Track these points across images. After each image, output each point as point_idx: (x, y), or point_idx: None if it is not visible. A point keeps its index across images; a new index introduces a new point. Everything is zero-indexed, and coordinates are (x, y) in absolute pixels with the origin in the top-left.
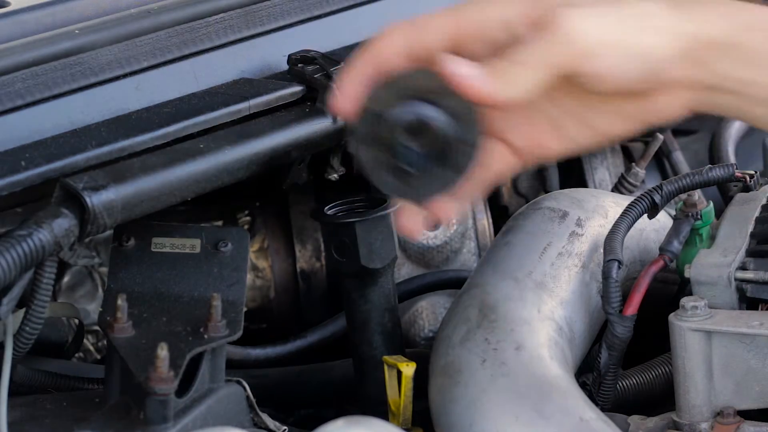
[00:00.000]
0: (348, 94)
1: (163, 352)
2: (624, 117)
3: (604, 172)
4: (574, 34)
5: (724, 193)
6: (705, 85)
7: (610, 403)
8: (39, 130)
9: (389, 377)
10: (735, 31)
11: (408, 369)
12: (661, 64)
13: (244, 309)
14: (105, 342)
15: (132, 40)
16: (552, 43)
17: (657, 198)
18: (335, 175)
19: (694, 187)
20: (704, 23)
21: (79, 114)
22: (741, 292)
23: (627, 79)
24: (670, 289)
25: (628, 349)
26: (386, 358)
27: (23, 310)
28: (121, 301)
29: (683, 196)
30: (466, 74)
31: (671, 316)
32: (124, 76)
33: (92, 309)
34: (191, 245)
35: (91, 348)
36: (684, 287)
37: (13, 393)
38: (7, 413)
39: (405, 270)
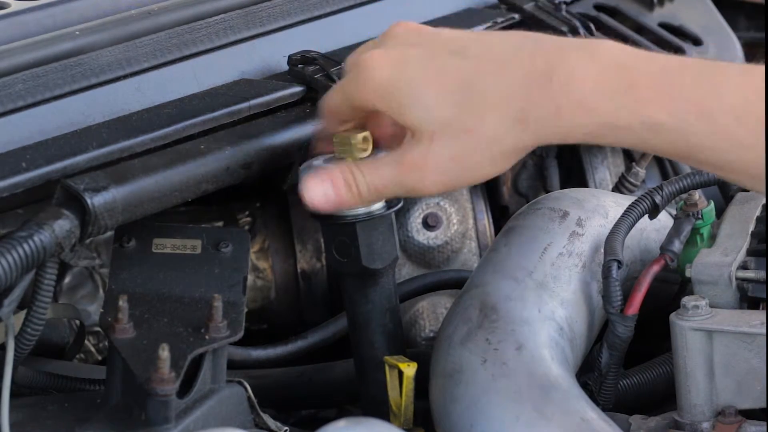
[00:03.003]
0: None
1: (164, 352)
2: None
3: (604, 172)
4: (424, 183)
5: (725, 192)
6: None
7: (612, 403)
8: (40, 131)
9: (390, 377)
10: (584, 137)
11: (409, 369)
12: (488, 177)
13: (245, 309)
14: (106, 343)
15: (132, 41)
16: (397, 185)
17: (658, 198)
18: None
19: (694, 187)
20: (553, 136)
21: (80, 115)
22: (742, 291)
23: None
24: (671, 288)
25: (629, 349)
26: (387, 358)
27: (24, 311)
28: (122, 302)
29: (684, 195)
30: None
31: (672, 316)
32: (125, 77)
33: (93, 310)
34: (192, 246)
35: (93, 349)
36: (685, 287)
37: (14, 394)
38: (8, 414)
39: (406, 270)
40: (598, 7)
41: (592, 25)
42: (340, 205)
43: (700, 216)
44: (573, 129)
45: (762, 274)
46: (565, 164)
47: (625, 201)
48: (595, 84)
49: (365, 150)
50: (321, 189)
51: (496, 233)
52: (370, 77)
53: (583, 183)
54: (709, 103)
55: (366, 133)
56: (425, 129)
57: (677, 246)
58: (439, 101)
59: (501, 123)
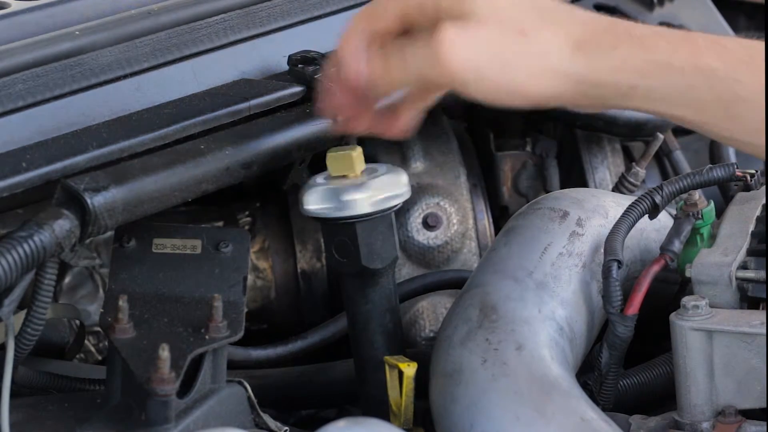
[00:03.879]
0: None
1: (164, 352)
2: None
3: (604, 172)
4: (447, 56)
5: (725, 192)
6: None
7: (612, 403)
8: (40, 131)
9: (390, 377)
10: (633, 75)
11: (409, 369)
12: (539, 102)
13: (245, 309)
14: (106, 343)
15: (132, 41)
16: (425, 57)
17: (658, 198)
18: None
19: (694, 187)
20: (602, 69)
21: (80, 115)
22: (742, 291)
23: (500, 104)
24: (671, 288)
25: (629, 349)
26: (387, 358)
27: (24, 311)
28: (123, 302)
29: (684, 195)
30: (351, 70)
31: (672, 316)
32: (125, 76)
33: (93, 310)
34: (192, 246)
35: (93, 349)
36: (685, 287)
37: (14, 394)
38: (8, 414)
39: (406, 270)
40: (598, 7)
41: None
42: (369, 76)
43: (700, 216)
44: (625, 62)
45: (762, 274)
46: (565, 164)
47: (625, 201)
48: (657, 31)
49: (363, 164)
50: (354, 60)
51: (496, 233)
52: None
53: (583, 183)
54: (759, 61)
55: (360, 149)
56: (480, 15)
57: (677, 246)
58: (507, 2)
59: (556, 40)
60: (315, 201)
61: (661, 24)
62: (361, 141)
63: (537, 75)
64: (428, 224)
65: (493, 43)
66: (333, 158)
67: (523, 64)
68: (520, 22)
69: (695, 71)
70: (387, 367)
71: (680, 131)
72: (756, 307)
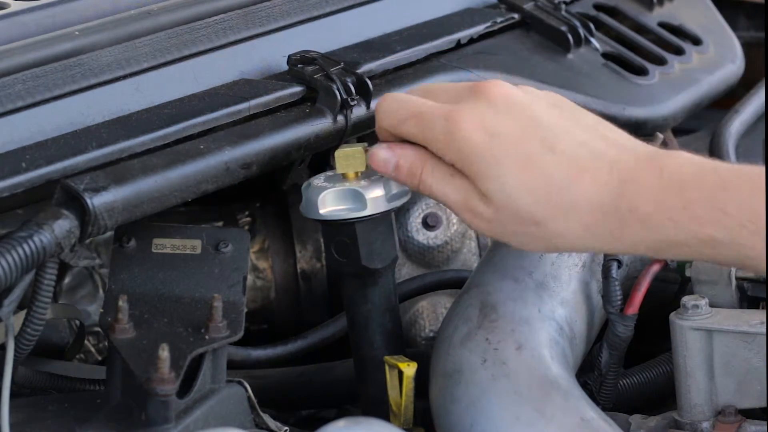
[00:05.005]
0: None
1: (164, 353)
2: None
3: None
4: (472, 225)
5: None
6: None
7: (612, 403)
8: (39, 131)
9: (390, 377)
10: (644, 251)
11: (409, 369)
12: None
13: (245, 309)
14: (106, 343)
15: (132, 41)
16: (454, 207)
17: None
18: None
19: None
20: (614, 251)
21: (80, 115)
22: (742, 290)
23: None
24: (670, 288)
25: (629, 349)
26: (387, 358)
27: (24, 311)
28: (122, 302)
29: None
30: (378, 158)
31: (672, 315)
32: (125, 77)
33: (93, 310)
34: (192, 246)
35: (93, 349)
36: (685, 286)
37: (14, 394)
38: (8, 414)
39: (405, 270)
40: (598, 7)
41: (591, 25)
42: (396, 179)
43: None
44: (635, 244)
45: (762, 274)
46: None
47: None
48: (657, 204)
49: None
50: (385, 158)
51: None
52: (460, 135)
53: None
54: (760, 220)
55: (365, 145)
56: (496, 201)
57: None
58: (517, 187)
59: (568, 225)
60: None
61: (661, 24)
62: (361, 139)
63: (552, 250)
64: (428, 224)
65: (512, 230)
66: (342, 156)
67: (539, 244)
68: (533, 212)
69: (700, 244)
70: (387, 367)
71: (680, 131)
72: (756, 307)
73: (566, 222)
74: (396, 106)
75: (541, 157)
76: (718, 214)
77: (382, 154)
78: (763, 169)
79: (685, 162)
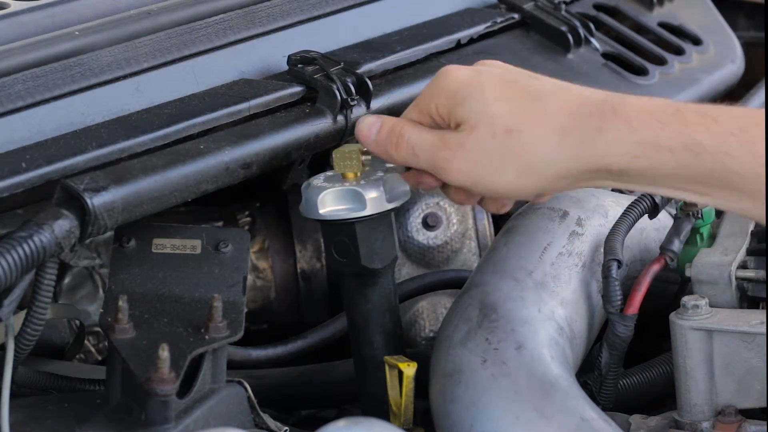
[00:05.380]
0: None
1: (164, 352)
2: None
3: None
4: (446, 171)
5: None
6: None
7: (612, 403)
8: (40, 131)
9: (390, 377)
10: (622, 158)
11: (409, 369)
12: (534, 196)
13: (245, 309)
14: (106, 343)
15: (132, 41)
16: (430, 164)
17: (658, 198)
18: None
19: None
20: (590, 157)
21: (80, 115)
22: (742, 290)
23: (499, 197)
24: (670, 288)
25: (629, 349)
26: (387, 358)
27: (24, 311)
28: (122, 302)
29: None
30: (364, 123)
31: (672, 315)
32: (125, 77)
33: (93, 310)
34: (192, 246)
35: (93, 349)
36: (685, 286)
37: (14, 394)
38: (8, 414)
39: (405, 270)
40: (598, 7)
41: (591, 25)
42: (378, 144)
43: (700, 215)
44: (612, 146)
45: (762, 274)
46: None
47: (625, 201)
48: (643, 108)
49: (366, 163)
50: (370, 122)
51: (496, 233)
52: (446, 79)
53: None
54: (750, 131)
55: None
56: (472, 119)
57: (677, 246)
58: (496, 100)
59: (542, 132)
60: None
61: (661, 24)
62: None
63: (526, 174)
64: (428, 224)
65: (483, 148)
66: (340, 156)
67: (511, 166)
68: (508, 120)
69: (684, 148)
70: (387, 367)
71: None
72: (756, 307)
73: (541, 128)
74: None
75: (524, 80)
76: (708, 121)
77: (369, 118)
78: (758, 109)
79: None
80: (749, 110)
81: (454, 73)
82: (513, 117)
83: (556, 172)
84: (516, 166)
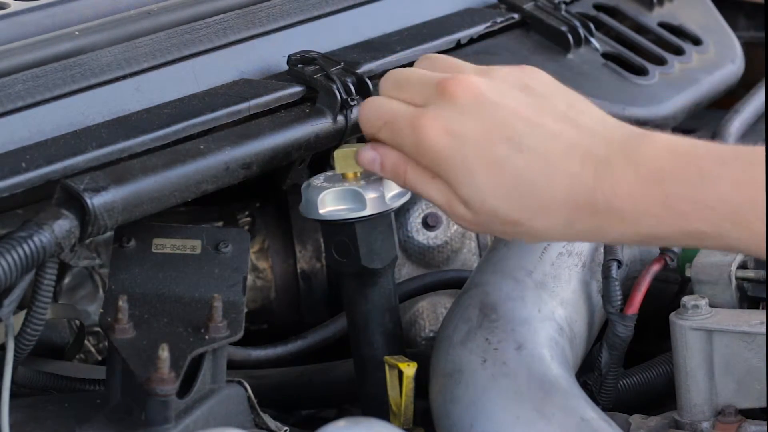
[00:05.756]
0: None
1: (164, 353)
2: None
3: None
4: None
5: None
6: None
7: (612, 403)
8: (39, 131)
9: (390, 377)
10: (629, 243)
11: (409, 369)
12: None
13: (245, 309)
14: (106, 343)
15: (132, 41)
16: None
17: None
18: None
19: None
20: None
21: (80, 115)
22: (742, 290)
23: None
24: (670, 288)
25: (629, 349)
26: (387, 358)
27: (24, 311)
28: (122, 302)
29: None
30: (364, 158)
31: (672, 315)
32: (125, 77)
33: (93, 310)
34: (192, 246)
35: (92, 349)
36: (685, 286)
37: (14, 394)
38: (8, 414)
39: (405, 270)
40: (598, 7)
41: (591, 25)
42: (384, 176)
43: None
44: (619, 238)
45: (762, 274)
46: None
47: None
48: (635, 199)
49: None
50: (370, 159)
51: None
52: (427, 143)
53: None
54: (745, 213)
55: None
56: (473, 206)
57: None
58: (490, 189)
59: (548, 223)
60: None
61: (661, 24)
62: (361, 139)
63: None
64: (428, 224)
65: (496, 230)
66: (341, 156)
67: (526, 239)
68: (510, 214)
69: (685, 237)
70: (387, 367)
71: (680, 131)
72: (756, 307)
73: (546, 220)
74: (371, 114)
75: (508, 159)
76: (702, 208)
77: (368, 154)
78: (741, 148)
79: (661, 148)
80: (734, 174)
81: (431, 139)
82: (514, 210)
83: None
84: (531, 240)
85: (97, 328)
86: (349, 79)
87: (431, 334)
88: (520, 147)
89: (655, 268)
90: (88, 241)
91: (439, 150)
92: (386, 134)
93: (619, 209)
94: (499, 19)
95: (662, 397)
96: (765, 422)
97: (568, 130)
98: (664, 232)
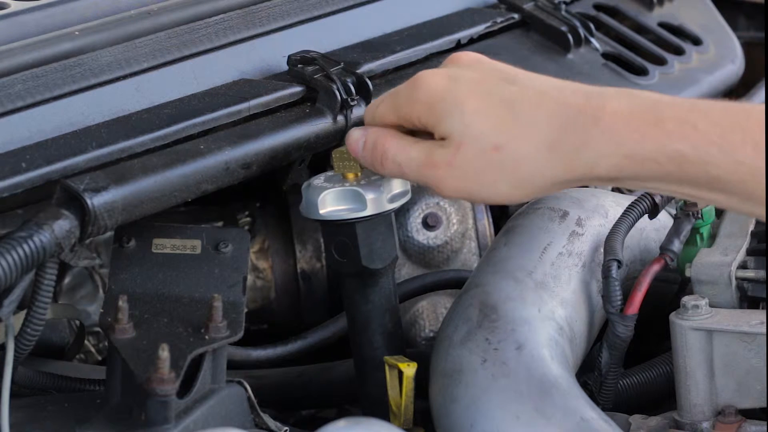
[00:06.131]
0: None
1: (164, 353)
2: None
3: None
4: (439, 188)
5: None
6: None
7: (612, 403)
8: (39, 131)
9: (390, 377)
10: (610, 170)
11: (409, 369)
12: (528, 200)
13: (245, 309)
14: (106, 343)
15: (132, 41)
16: (421, 177)
17: (658, 198)
18: None
19: None
20: (579, 168)
21: (80, 115)
22: (742, 290)
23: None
24: (670, 288)
25: (629, 349)
26: (387, 358)
27: (24, 311)
28: (122, 303)
29: None
30: (352, 137)
31: (672, 315)
32: (124, 77)
33: (93, 310)
34: (192, 246)
35: (92, 349)
36: (685, 286)
37: (14, 394)
38: (8, 414)
39: (405, 270)
40: (598, 7)
41: (591, 25)
42: (365, 160)
43: (700, 215)
44: (599, 159)
45: (762, 274)
46: None
47: (625, 201)
48: (625, 118)
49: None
50: (356, 137)
51: (496, 233)
52: (422, 90)
53: None
54: (731, 137)
55: None
56: (456, 137)
57: (677, 246)
58: (477, 115)
59: (530, 147)
60: (331, 203)
61: (661, 24)
62: None
63: (518, 185)
64: (428, 224)
65: (473, 165)
66: (339, 155)
67: (504, 179)
68: (493, 137)
69: (667, 159)
70: (387, 367)
71: None
72: (756, 307)
73: (528, 143)
74: (377, 100)
75: (500, 89)
76: (688, 128)
77: (355, 133)
78: (739, 105)
79: (655, 93)
80: (732, 110)
81: (429, 82)
82: (498, 133)
83: (549, 181)
84: (508, 180)
85: (97, 328)
86: (349, 79)
87: (431, 334)
88: (513, 81)
89: (655, 268)
90: (88, 241)
91: (435, 89)
92: (386, 105)
93: (607, 123)
94: (499, 19)
95: (662, 397)
96: (765, 422)
97: (558, 81)
98: (647, 152)
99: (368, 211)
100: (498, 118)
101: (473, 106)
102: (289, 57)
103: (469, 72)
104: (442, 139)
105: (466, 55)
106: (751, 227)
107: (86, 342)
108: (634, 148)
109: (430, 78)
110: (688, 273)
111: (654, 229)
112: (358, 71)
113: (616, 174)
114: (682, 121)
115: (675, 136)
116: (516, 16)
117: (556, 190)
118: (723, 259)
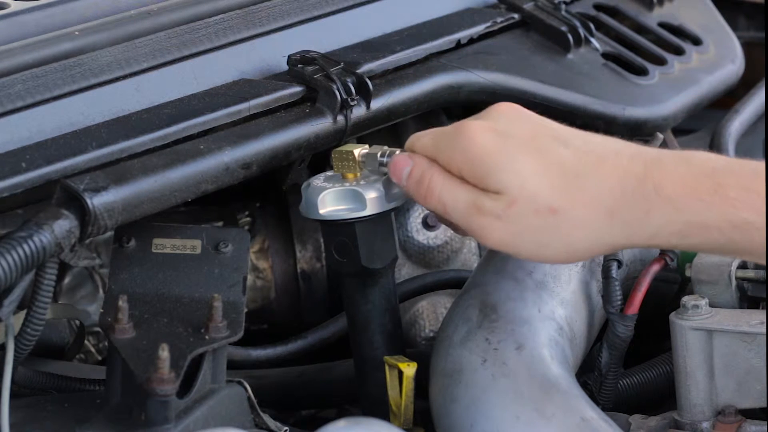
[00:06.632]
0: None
1: (164, 353)
2: None
3: None
4: (485, 238)
5: None
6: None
7: (612, 403)
8: (39, 131)
9: (390, 377)
10: (672, 238)
11: (409, 369)
12: (555, 262)
13: (245, 309)
14: (106, 343)
15: (132, 41)
16: (466, 224)
17: None
18: None
19: None
20: (640, 236)
21: (80, 115)
22: (742, 290)
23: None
24: (670, 288)
25: (629, 349)
26: (387, 358)
27: (24, 311)
28: (122, 303)
29: None
30: (397, 164)
31: (672, 315)
32: (124, 77)
33: (93, 310)
34: (192, 246)
35: (92, 349)
36: (685, 286)
37: (14, 394)
38: (8, 414)
39: (405, 270)
40: (598, 7)
41: (591, 25)
42: (408, 189)
43: None
44: (661, 228)
45: (762, 274)
46: None
47: None
48: (686, 186)
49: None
50: (401, 163)
51: None
52: (468, 142)
53: None
54: None
55: (367, 148)
56: (510, 192)
57: None
58: (533, 175)
59: (589, 214)
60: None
61: (661, 24)
62: (361, 139)
63: (575, 250)
64: (428, 224)
65: (526, 224)
66: (339, 155)
67: (559, 242)
68: (550, 198)
69: (732, 228)
70: (387, 367)
71: (680, 131)
72: (756, 307)
73: (587, 209)
74: (422, 132)
75: (555, 150)
76: (752, 196)
77: (402, 159)
78: None
79: (712, 155)
80: None
81: (475, 136)
82: (555, 195)
83: (606, 248)
84: (564, 243)
85: (97, 328)
86: (349, 79)
87: (431, 334)
88: (566, 143)
89: (655, 268)
90: (88, 241)
91: (484, 145)
92: (427, 140)
93: (669, 195)
94: (499, 19)
95: (662, 397)
96: (765, 422)
97: (612, 142)
98: (711, 220)
99: (368, 211)
100: (554, 180)
101: (529, 166)
102: (289, 57)
103: (516, 126)
104: (489, 191)
105: (508, 107)
106: None
107: (86, 342)
108: (696, 216)
109: (477, 131)
110: (688, 273)
111: None
112: (358, 71)
113: (676, 242)
114: (743, 188)
115: (740, 204)
116: (516, 16)
117: (606, 253)
118: (723, 259)
